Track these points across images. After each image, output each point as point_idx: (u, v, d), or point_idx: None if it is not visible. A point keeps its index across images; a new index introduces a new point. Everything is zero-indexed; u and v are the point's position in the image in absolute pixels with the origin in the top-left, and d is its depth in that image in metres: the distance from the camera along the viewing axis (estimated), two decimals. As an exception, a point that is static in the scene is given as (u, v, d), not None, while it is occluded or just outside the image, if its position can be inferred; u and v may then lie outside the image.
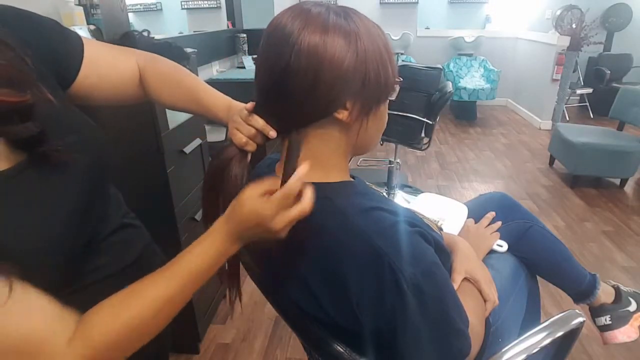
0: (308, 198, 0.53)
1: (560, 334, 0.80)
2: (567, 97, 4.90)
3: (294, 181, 0.52)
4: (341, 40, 0.54)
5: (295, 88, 0.56)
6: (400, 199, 2.97)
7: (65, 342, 0.47)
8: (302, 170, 0.52)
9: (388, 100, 0.64)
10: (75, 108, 0.64)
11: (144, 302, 0.51)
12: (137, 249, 0.73)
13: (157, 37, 1.42)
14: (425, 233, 0.60)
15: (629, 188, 3.24)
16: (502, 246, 1.06)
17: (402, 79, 0.63)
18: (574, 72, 4.95)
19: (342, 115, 0.58)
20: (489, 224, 1.08)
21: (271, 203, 0.51)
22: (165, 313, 0.53)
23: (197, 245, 0.55)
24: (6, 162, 0.49)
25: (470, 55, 5.49)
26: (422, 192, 1.56)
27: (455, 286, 0.79)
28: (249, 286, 1.32)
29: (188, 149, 1.54)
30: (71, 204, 0.56)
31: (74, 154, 0.55)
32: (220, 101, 0.76)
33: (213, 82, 2.64)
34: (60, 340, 0.47)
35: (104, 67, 0.72)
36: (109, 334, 0.49)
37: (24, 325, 0.44)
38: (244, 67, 3.14)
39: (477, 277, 0.81)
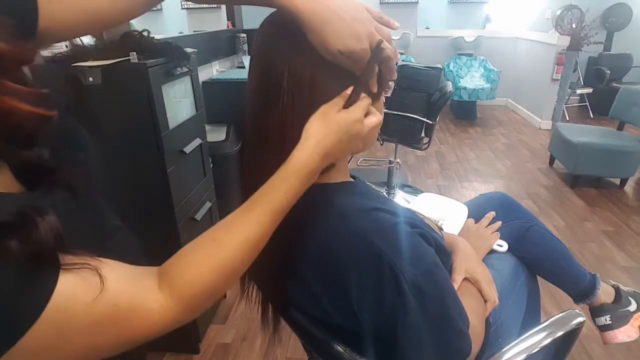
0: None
1: (560, 333, 0.80)
2: (567, 97, 4.90)
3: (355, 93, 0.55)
4: None
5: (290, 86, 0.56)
6: (400, 199, 2.97)
7: (154, 298, 0.46)
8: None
9: (384, 97, 0.64)
10: (70, 116, 0.60)
11: (233, 249, 0.50)
12: (133, 250, 0.73)
13: (157, 37, 1.42)
14: (425, 234, 0.60)
15: (629, 188, 3.24)
16: (502, 246, 1.06)
17: (396, 76, 0.63)
18: (574, 72, 4.95)
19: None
20: (489, 224, 1.08)
21: (353, 113, 0.54)
22: (256, 252, 0.53)
23: (282, 182, 0.52)
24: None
25: (470, 55, 5.49)
26: (422, 192, 1.56)
27: (456, 286, 0.79)
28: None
29: (188, 149, 1.54)
30: (80, 230, 0.53)
31: (81, 176, 0.52)
32: None
33: (213, 82, 2.64)
34: (147, 296, 0.46)
35: None
36: (199, 284, 0.48)
37: (110, 294, 0.42)
38: (244, 67, 3.14)
39: (478, 277, 0.81)
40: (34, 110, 0.42)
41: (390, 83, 0.62)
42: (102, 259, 0.44)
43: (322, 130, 0.53)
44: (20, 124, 0.41)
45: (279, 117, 0.57)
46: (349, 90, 0.55)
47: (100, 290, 0.41)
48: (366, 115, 0.56)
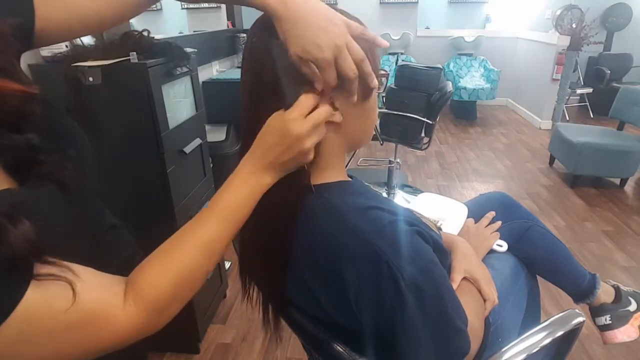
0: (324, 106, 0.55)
1: (560, 333, 0.80)
2: (567, 97, 4.90)
3: (305, 97, 0.54)
4: None
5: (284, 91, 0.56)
6: (400, 198, 2.97)
7: (120, 305, 0.47)
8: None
9: (376, 93, 0.64)
10: (62, 112, 0.61)
11: (190, 250, 0.52)
12: (128, 249, 0.73)
13: (157, 37, 1.42)
14: (423, 232, 0.60)
15: (629, 188, 3.24)
16: (502, 246, 1.06)
17: (387, 72, 0.63)
18: (574, 71, 4.95)
19: (334, 116, 0.58)
20: (489, 224, 1.08)
21: (291, 113, 0.53)
22: (213, 255, 0.54)
23: (230, 184, 0.55)
24: None
25: (470, 55, 5.49)
26: (422, 192, 1.56)
27: (455, 286, 0.79)
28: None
29: (188, 149, 1.54)
30: (69, 226, 0.53)
31: (72, 171, 0.52)
32: None
33: (213, 82, 2.64)
34: (114, 303, 0.47)
35: None
36: (161, 287, 0.50)
37: (80, 304, 0.43)
38: (243, 67, 3.14)
39: (477, 276, 0.81)
40: (17, 87, 0.43)
41: (382, 79, 0.62)
42: (75, 267, 0.44)
43: (261, 135, 0.55)
44: (4, 100, 0.42)
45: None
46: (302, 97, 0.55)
47: (71, 303, 0.42)
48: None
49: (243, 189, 0.55)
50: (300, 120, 0.53)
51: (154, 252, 0.53)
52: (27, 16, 0.54)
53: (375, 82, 0.59)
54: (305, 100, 0.54)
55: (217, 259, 0.55)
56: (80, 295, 0.43)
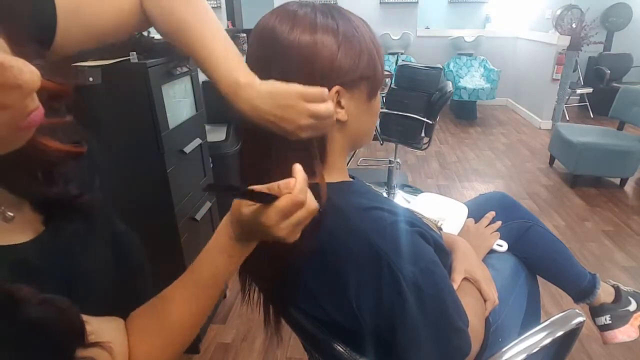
0: (310, 200, 0.48)
1: (560, 333, 0.80)
2: (567, 97, 4.90)
3: (291, 190, 0.46)
4: (331, 38, 0.55)
5: None
6: (400, 198, 2.97)
7: None
8: (297, 174, 0.47)
9: (379, 93, 0.64)
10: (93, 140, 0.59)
11: (175, 326, 0.53)
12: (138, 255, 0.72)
13: (157, 37, 1.42)
14: (424, 232, 0.60)
15: (629, 188, 3.24)
16: (502, 246, 1.06)
17: (391, 72, 0.63)
18: (574, 71, 4.95)
19: (340, 114, 0.58)
20: (489, 224, 1.08)
21: (270, 214, 0.46)
22: (197, 323, 0.55)
23: (208, 253, 0.53)
24: (29, 230, 0.44)
25: (470, 55, 5.49)
26: (422, 192, 1.56)
27: (455, 286, 0.79)
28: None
29: (188, 149, 1.54)
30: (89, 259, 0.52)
31: (98, 203, 0.52)
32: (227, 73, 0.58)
33: (213, 82, 2.64)
34: None
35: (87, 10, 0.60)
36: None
37: None
38: (243, 67, 3.14)
39: (477, 276, 0.81)
40: (63, 148, 0.42)
41: (386, 80, 0.63)
42: (105, 332, 0.45)
43: (229, 221, 0.52)
44: (50, 161, 0.42)
45: None
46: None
47: None
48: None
49: (225, 260, 0.53)
50: (283, 225, 0.47)
51: (142, 321, 0.53)
52: (48, 32, 0.54)
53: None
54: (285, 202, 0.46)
55: (203, 321, 0.56)
56: None
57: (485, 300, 0.80)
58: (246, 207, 0.47)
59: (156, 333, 0.53)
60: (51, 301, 0.37)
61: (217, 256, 0.53)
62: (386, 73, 0.63)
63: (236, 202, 0.48)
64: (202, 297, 0.54)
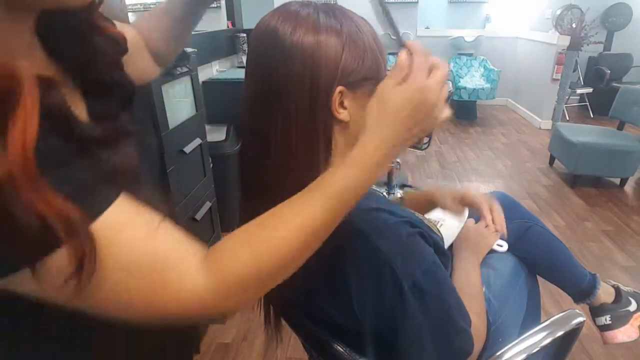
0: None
1: (560, 333, 0.80)
2: (567, 97, 4.89)
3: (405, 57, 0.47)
4: (334, 38, 0.54)
5: (293, 91, 0.56)
6: (400, 198, 2.97)
7: (193, 265, 0.41)
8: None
9: None
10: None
11: (285, 232, 0.43)
12: None
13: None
14: (425, 233, 0.60)
15: (629, 188, 3.24)
16: (502, 246, 1.06)
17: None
18: (574, 71, 4.94)
19: (342, 115, 0.58)
20: (488, 224, 1.08)
21: (418, 78, 0.46)
22: (310, 244, 0.45)
23: (349, 162, 0.46)
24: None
25: (470, 54, 5.49)
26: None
27: (473, 267, 0.79)
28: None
29: (188, 149, 1.54)
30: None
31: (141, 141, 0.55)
32: None
33: (213, 82, 2.64)
34: (187, 261, 0.41)
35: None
36: (241, 262, 0.42)
37: (157, 242, 0.40)
38: (244, 67, 3.13)
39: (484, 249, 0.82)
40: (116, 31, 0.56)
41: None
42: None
43: (383, 118, 0.47)
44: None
45: (281, 122, 0.57)
46: (403, 56, 0.48)
47: (150, 233, 0.39)
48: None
49: (362, 178, 0.46)
50: (430, 85, 0.46)
51: (245, 225, 0.45)
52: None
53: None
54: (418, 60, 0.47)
55: (313, 249, 0.46)
56: (158, 234, 0.40)
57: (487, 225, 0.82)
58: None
59: (258, 235, 0.44)
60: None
61: (365, 165, 0.46)
62: (387, 73, 0.63)
63: (386, 87, 0.48)
64: (333, 206, 0.45)
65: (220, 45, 3.03)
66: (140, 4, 4.04)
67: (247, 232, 0.45)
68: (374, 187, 0.75)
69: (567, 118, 5.16)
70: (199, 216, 1.64)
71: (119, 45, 0.54)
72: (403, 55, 0.48)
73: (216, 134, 2.27)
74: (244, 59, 3.20)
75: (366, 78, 0.58)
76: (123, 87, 0.55)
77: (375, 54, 0.58)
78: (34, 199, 0.32)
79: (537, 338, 0.78)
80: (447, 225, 1.08)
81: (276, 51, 0.54)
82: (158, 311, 0.41)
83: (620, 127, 3.35)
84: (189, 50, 1.54)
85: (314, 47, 0.53)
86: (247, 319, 1.88)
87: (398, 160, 2.91)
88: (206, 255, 0.43)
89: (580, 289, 1.15)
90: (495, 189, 3.27)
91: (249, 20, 3.59)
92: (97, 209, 0.37)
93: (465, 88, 5.01)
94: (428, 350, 0.57)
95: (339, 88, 0.56)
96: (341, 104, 0.57)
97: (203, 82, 2.53)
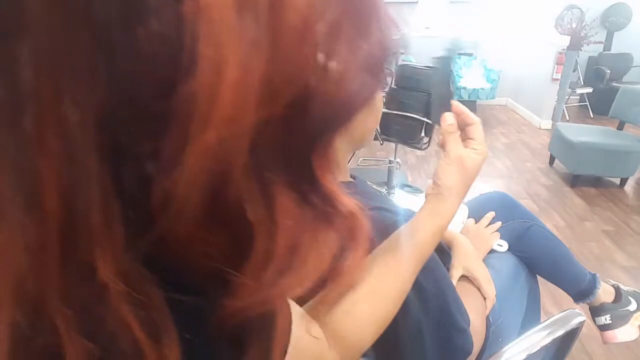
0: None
1: (560, 333, 0.80)
2: (567, 97, 4.90)
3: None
4: None
5: None
6: (400, 198, 2.97)
7: (327, 347, 0.43)
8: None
9: (381, 92, 0.64)
10: None
11: (393, 298, 0.49)
12: None
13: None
14: (425, 233, 0.60)
15: (629, 187, 3.24)
16: (502, 246, 1.06)
17: (396, 75, 0.63)
18: (574, 71, 4.95)
19: None
20: (489, 224, 1.08)
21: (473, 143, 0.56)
22: (400, 304, 0.51)
23: (425, 222, 0.52)
24: None
25: (470, 54, 5.49)
26: (422, 192, 1.56)
27: (454, 282, 0.79)
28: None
29: (188, 149, 1.54)
30: None
31: None
32: None
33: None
34: (324, 346, 0.43)
35: None
36: (366, 339, 0.48)
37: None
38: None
39: (476, 274, 0.81)
40: None
41: (387, 78, 0.63)
42: None
43: (466, 182, 0.55)
44: None
45: None
46: (450, 121, 0.59)
47: (305, 332, 0.39)
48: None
49: (441, 226, 0.52)
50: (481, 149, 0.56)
51: (353, 299, 0.47)
52: None
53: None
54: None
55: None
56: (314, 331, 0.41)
57: (484, 299, 0.80)
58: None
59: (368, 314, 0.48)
60: None
61: (437, 226, 0.52)
62: (388, 72, 0.63)
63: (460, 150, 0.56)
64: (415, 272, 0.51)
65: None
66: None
67: (368, 305, 0.48)
68: (373, 186, 0.75)
69: (567, 118, 5.16)
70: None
71: None
72: (479, 126, 0.59)
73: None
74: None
75: None
76: None
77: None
78: None
79: (537, 338, 0.78)
80: (447, 225, 1.08)
81: None
82: None
83: (620, 127, 3.35)
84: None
85: None
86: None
87: (398, 160, 2.91)
88: (326, 332, 0.44)
89: (580, 289, 1.15)
90: (495, 189, 3.27)
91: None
92: None
93: (465, 88, 5.01)
94: (428, 348, 0.57)
95: None
96: None
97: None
